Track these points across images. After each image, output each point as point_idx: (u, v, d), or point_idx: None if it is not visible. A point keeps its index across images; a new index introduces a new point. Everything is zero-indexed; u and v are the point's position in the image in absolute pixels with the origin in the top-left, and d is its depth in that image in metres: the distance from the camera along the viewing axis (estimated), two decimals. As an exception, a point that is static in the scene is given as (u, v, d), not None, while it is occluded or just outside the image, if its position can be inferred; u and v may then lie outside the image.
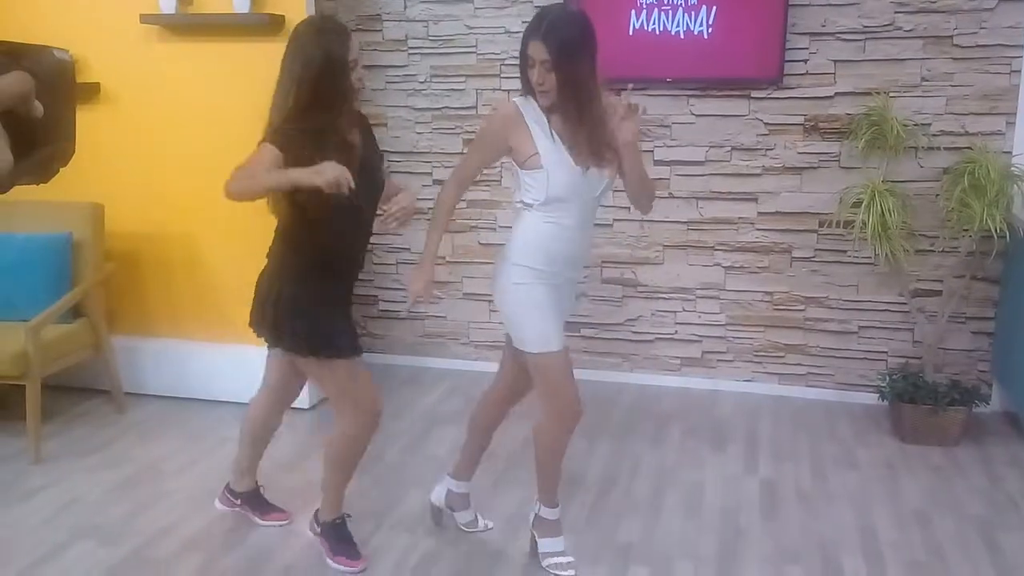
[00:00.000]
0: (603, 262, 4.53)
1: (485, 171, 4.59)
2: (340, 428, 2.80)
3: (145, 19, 4.06)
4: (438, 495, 3.11)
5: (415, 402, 4.36)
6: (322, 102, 2.48)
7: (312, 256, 2.63)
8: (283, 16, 3.96)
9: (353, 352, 2.71)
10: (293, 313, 2.63)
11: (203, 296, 4.28)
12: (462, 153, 4.61)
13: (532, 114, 2.62)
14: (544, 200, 2.61)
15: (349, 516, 2.94)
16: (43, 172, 0.81)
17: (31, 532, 3.12)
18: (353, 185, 2.32)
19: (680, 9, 4.14)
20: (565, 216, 2.64)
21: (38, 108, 0.76)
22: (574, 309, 2.87)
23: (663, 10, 4.16)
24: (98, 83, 4.21)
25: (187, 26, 4.11)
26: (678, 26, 4.16)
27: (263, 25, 3.97)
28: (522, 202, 2.68)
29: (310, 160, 2.36)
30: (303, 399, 4.14)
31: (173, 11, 4.03)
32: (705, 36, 4.13)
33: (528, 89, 2.61)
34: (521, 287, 2.67)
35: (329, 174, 2.30)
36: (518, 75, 4.39)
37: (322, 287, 2.66)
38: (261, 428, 3.08)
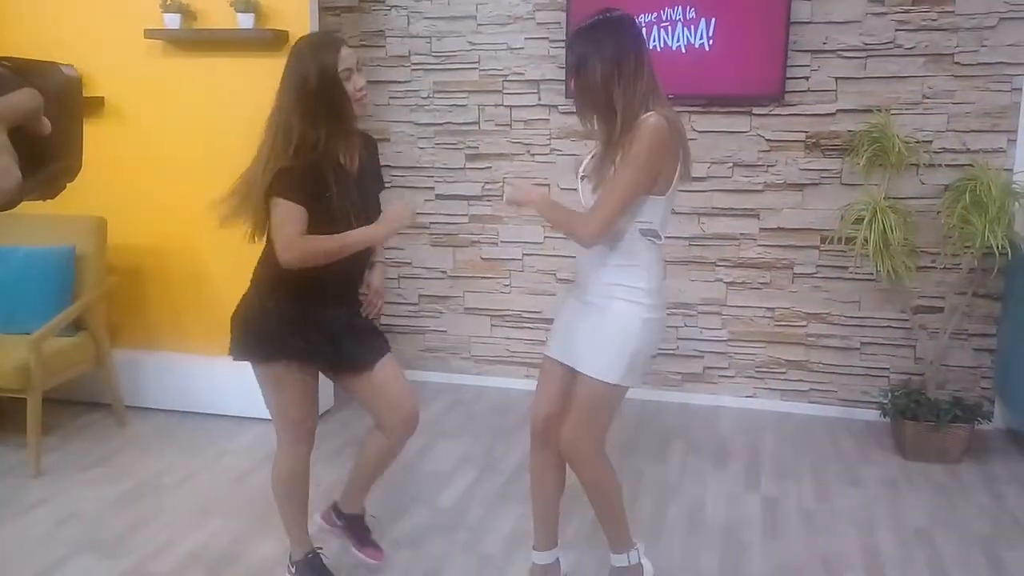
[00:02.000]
0: (605, 277, 4.54)
1: (488, 186, 4.62)
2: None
3: (150, 34, 4.09)
4: None
5: (416, 417, 4.35)
6: (316, 120, 2.40)
7: (307, 277, 2.51)
8: (286, 32, 3.98)
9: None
10: (271, 320, 2.56)
11: (205, 310, 4.28)
12: (464, 168, 4.63)
13: None
14: None
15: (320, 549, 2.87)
16: (50, 189, 0.81)
17: (31, 546, 3.11)
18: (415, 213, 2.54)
19: (679, 24, 4.17)
20: None
21: (46, 125, 0.76)
22: (580, 330, 2.55)
23: (662, 27, 4.18)
24: (103, 97, 4.23)
25: (191, 41, 4.13)
26: (678, 41, 4.18)
27: (266, 41, 4.00)
28: None
29: (314, 197, 2.42)
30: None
31: (177, 26, 4.05)
32: (707, 48, 4.15)
33: None
34: None
35: (396, 224, 2.54)
36: (520, 91, 4.48)
37: (310, 307, 2.57)
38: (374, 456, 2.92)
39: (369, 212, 2.63)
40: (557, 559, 2.83)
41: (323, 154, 2.44)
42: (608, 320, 2.47)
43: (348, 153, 2.55)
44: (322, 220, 2.45)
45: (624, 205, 2.37)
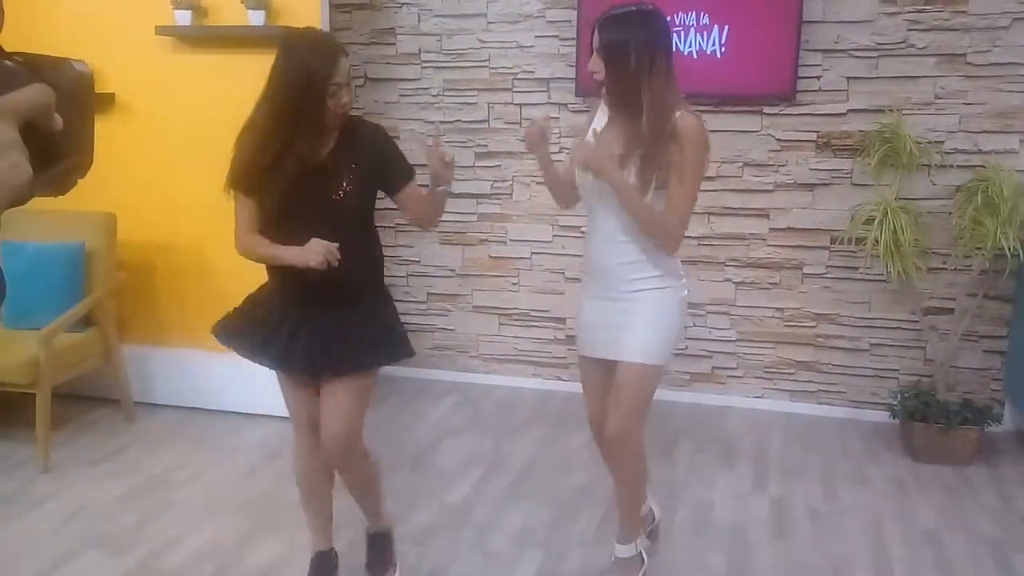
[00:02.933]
0: (613, 276, 4.53)
1: (497, 184, 4.61)
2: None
3: (160, 31, 4.09)
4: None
5: (423, 415, 4.35)
6: (290, 116, 2.39)
7: (287, 277, 2.58)
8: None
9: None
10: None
11: (214, 306, 4.25)
12: (473, 166, 4.63)
13: (600, 107, 2.61)
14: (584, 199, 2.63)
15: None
16: (61, 185, 0.81)
17: (39, 541, 3.12)
18: (337, 257, 2.41)
19: (692, 30, 4.15)
20: (590, 221, 2.62)
21: (58, 121, 0.76)
22: (614, 324, 2.58)
23: (675, 31, 4.16)
24: (113, 93, 4.24)
25: (202, 38, 4.13)
26: (691, 47, 4.16)
27: (277, 38, 3.98)
28: None
29: (265, 184, 2.44)
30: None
31: (188, 23, 4.05)
32: (718, 55, 4.13)
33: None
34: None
35: (314, 257, 2.40)
36: (530, 89, 4.47)
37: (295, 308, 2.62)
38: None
39: (327, 198, 2.54)
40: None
41: (287, 149, 2.40)
42: (648, 309, 2.53)
43: (319, 150, 2.49)
44: (271, 215, 2.50)
45: (693, 206, 2.54)
